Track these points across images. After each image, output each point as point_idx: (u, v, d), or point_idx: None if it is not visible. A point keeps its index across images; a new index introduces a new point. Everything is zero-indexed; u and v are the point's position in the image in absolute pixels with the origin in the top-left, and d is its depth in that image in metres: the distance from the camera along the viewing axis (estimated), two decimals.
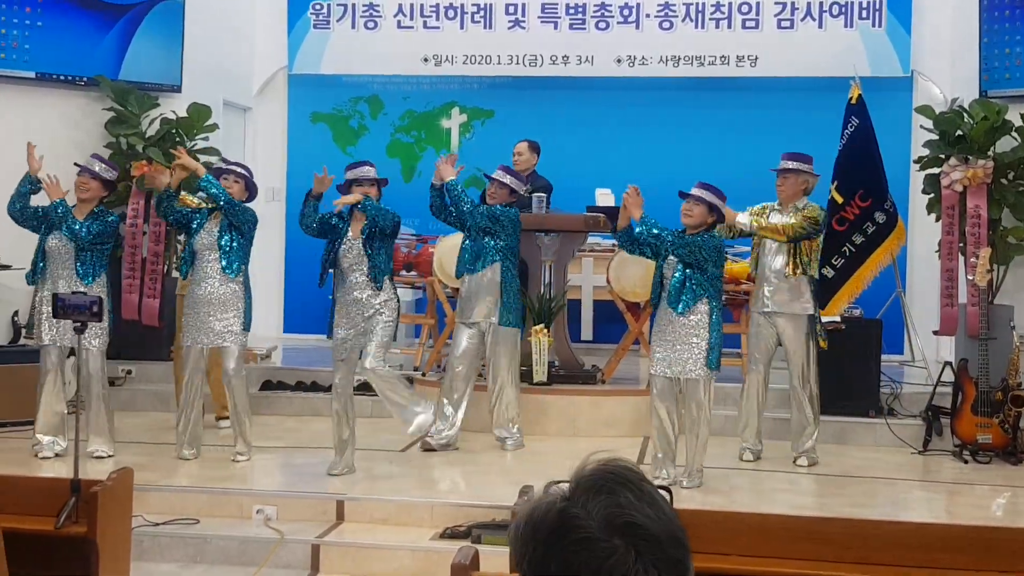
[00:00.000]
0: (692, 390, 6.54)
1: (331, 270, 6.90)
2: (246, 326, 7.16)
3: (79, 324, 5.33)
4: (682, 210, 6.59)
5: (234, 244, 7.03)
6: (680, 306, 6.43)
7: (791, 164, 7.21)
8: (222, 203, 6.93)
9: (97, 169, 7.26)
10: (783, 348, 7.26)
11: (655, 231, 6.50)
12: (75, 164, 7.35)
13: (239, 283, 7.09)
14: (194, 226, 7.09)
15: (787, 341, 7.21)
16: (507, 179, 7.49)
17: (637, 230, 6.55)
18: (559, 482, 1.55)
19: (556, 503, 1.49)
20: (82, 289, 6.88)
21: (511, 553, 1.57)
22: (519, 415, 7.56)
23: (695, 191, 6.60)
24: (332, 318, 6.87)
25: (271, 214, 11.28)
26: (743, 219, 6.92)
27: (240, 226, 7.04)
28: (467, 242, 7.39)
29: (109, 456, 7.09)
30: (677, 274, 6.47)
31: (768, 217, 7.06)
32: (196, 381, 7.13)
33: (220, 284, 7.03)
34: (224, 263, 7.01)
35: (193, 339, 7.07)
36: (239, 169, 7.32)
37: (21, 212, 7.16)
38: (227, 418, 7.97)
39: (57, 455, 7.05)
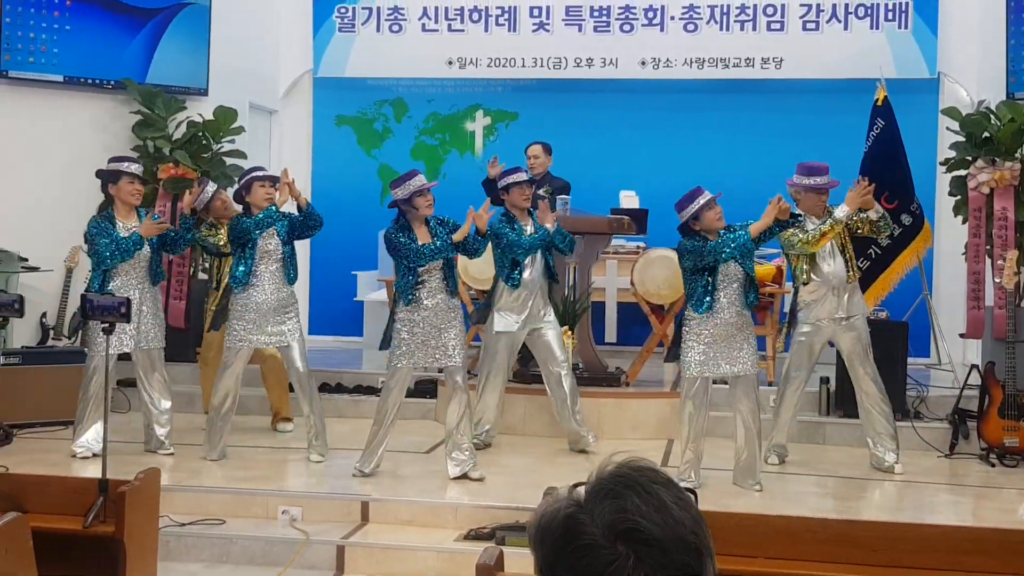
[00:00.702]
0: (751, 386, 6.56)
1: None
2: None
3: (107, 324, 5.37)
4: (718, 216, 6.48)
5: (293, 252, 7.20)
6: (751, 299, 6.56)
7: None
8: (320, 223, 7.19)
9: (142, 173, 7.37)
10: (847, 353, 7.09)
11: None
12: (115, 171, 7.27)
13: (292, 287, 7.26)
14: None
15: (853, 344, 7.04)
16: (525, 176, 7.45)
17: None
18: (582, 484, 1.56)
19: (563, 509, 1.51)
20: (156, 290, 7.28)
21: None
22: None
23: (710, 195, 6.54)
24: (393, 326, 6.72)
25: None
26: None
27: (307, 236, 7.25)
28: (512, 260, 7.27)
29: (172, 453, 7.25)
30: (740, 272, 6.49)
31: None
32: (238, 383, 7.20)
33: (280, 289, 7.13)
34: (287, 271, 7.14)
35: (248, 340, 7.09)
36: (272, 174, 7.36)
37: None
38: (288, 420, 8.04)
39: (95, 455, 7.12)
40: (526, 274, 7.27)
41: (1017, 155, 8.40)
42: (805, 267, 6.99)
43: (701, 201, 6.45)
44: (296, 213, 7.18)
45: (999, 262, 8.00)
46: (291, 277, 7.19)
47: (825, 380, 8.24)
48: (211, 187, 7.94)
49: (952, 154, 8.71)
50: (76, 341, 8.73)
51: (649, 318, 8.61)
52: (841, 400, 8.16)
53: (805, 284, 6.99)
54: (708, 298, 6.44)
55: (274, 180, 7.19)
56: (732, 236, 6.40)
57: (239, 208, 7.29)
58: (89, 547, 4.41)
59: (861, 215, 6.90)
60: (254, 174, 7.21)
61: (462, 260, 8.75)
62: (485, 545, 4.87)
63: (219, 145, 9.46)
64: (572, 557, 1.47)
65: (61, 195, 9.17)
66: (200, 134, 9.39)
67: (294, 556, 5.87)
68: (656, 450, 7.57)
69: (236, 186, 7.56)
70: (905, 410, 8.01)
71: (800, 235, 6.81)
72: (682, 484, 6.43)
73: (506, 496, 6.37)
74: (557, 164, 9.35)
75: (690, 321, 6.53)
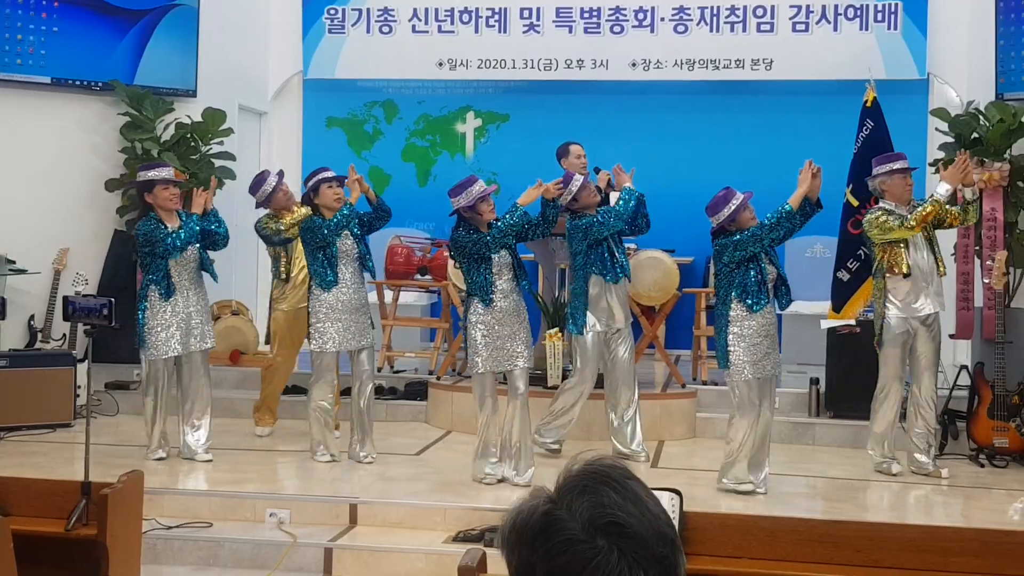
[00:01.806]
0: (774, 385, 6.50)
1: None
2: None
3: (89, 326, 5.34)
4: (753, 216, 6.38)
5: (368, 249, 7.20)
6: (784, 301, 6.54)
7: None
8: (390, 214, 7.26)
9: (176, 177, 7.40)
10: (920, 355, 6.95)
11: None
12: (148, 180, 7.22)
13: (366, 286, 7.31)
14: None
15: (931, 343, 6.95)
16: (582, 178, 7.26)
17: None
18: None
19: (539, 506, 1.49)
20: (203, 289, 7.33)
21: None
22: None
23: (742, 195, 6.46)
24: (468, 331, 6.61)
25: None
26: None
27: (378, 228, 7.29)
28: (612, 248, 7.10)
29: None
30: (774, 271, 6.45)
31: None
32: (334, 384, 7.22)
33: (360, 288, 7.14)
34: (364, 269, 7.16)
35: (339, 344, 7.04)
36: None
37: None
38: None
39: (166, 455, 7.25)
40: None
41: (1006, 156, 8.40)
42: (897, 259, 6.86)
43: (735, 204, 6.36)
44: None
45: (988, 263, 7.99)
46: (370, 269, 7.20)
47: (815, 381, 8.24)
48: (273, 178, 7.82)
49: (941, 155, 8.71)
50: (64, 344, 8.70)
51: (639, 319, 8.59)
52: (831, 401, 8.16)
53: (906, 276, 6.85)
54: (763, 293, 6.32)
55: (341, 180, 7.15)
56: (772, 213, 6.35)
57: (300, 204, 7.35)
58: (72, 550, 4.39)
59: (949, 208, 6.86)
60: (321, 176, 7.14)
61: (451, 260, 8.74)
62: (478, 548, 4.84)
63: (208, 147, 9.43)
64: (551, 555, 1.46)
65: (49, 197, 9.14)
66: (188, 136, 9.36)
67: (281, 559, 5.86)
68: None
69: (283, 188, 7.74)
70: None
71: (893, 220, 6.76)
72: (741, 488, 6.26)
73: (495, 498, 6.36)
74: (548, 165, 9.33)
75: (739, 322, 6.35)
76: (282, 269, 7.82)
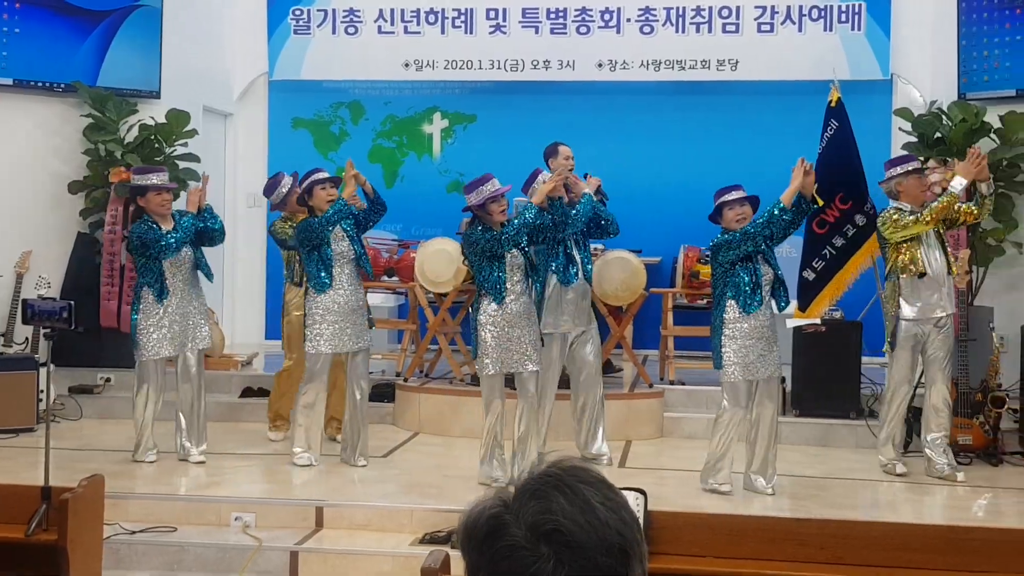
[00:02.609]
0: (776, 387, 6.48)
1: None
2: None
3: (48, 330, 5.28)
4: (740, 216, 6.38)
5: (364, 250, 7.17)
6: (782, 303, 6.50)
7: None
8: (385, 209, 7.24)
9: (170, 183, 7.37)
10: (931, 357, 6.94)
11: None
12: (140, 186, 7.19)
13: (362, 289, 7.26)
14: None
15: (943, 345, 6.92)
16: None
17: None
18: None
19: (488, 509, 1.49)
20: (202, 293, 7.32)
21: None
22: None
23: (743, 194, 6.47)
24: (481, 335, 6.57)
25: (252, 220, 11.24)
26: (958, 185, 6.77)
27: (373, 225, 7.30)
28: (570, 249, 7.08)
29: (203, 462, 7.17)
30: (771, 272, 6.43)
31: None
32: (328, 387, 7.20)
33: (357, 290, 7.09)
34: (360, 270, 7.11)
35: (335, 346, 6.98)
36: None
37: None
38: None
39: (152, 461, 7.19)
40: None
41: None
42: (912, 258, 6.84)
43: (725, 197, 6.43)
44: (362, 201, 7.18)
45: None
46: (368, 270, 7.20)
47: (781, 380, 8.24)
48: (288, 180, 7.78)
49: (905, 154, 8.76)
50: (27, 348, 8.60)
51: (607, 320, 8.60)
52: (797, 400, 8.20)
53: (922, 276, 6.84)
54: (757, 295, 6.32)
55: (336, 181, 7.14)
56: (764, 211, 6.34)
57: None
58: (32, 555, 4.34)
59: (961, 206, 6.84)
60: (314, 177, 7.12)
61: (419, 262, 8.73)
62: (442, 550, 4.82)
63: (172, 148, 9.35)
64: (495, 559, 1.45)
65: (10, 199, 9.04)
66: (152, 138, 9.28)
67: (246, 563, 5.82)
68: (614, 451, 7.54)
69: (285, 190, 7.74)
70: (859, 408, 8.07)
71: (907, 216, 6.74)
72: (721, 488, 6.22)
73: (462, 499, 6.30)
74: (518, 166, 9.30)
75: (732, 324, 6.36)
76: (296, 272, 7.78)
